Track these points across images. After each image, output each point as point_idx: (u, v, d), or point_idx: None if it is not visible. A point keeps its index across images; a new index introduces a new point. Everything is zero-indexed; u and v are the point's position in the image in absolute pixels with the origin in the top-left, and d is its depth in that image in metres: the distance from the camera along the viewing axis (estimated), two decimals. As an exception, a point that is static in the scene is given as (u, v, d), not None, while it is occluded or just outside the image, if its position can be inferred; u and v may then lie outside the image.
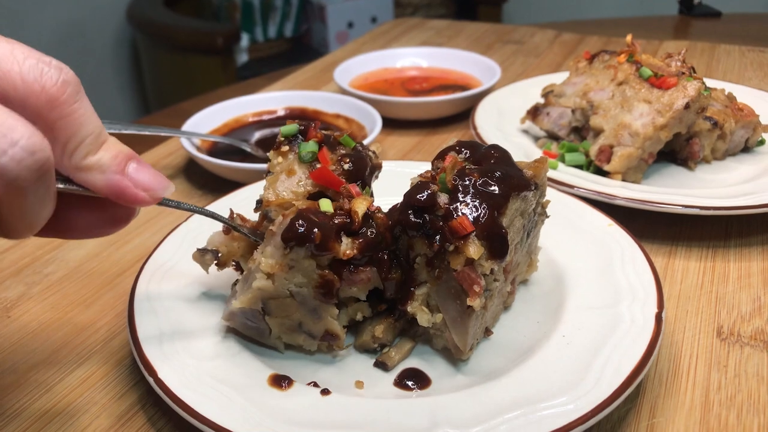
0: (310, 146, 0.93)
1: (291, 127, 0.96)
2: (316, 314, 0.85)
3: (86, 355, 0.95)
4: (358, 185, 0.90)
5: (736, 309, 1.02)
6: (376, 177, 0.99)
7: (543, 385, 0.79)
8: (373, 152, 0.98)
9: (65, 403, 0.87)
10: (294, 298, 0.83)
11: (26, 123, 0.52)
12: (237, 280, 0.91)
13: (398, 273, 0.87)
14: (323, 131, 0.96)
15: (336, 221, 0.82)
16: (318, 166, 0.91)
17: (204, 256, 0.91)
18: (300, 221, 0.78)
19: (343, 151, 0.94)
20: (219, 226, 0.91)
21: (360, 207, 0.83)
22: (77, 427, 0.83)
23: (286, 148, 0.94)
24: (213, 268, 0.93)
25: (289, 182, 0.91)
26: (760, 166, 1.37)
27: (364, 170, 0.93)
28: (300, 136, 0.95)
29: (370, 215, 0.84)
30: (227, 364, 0.85)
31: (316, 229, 0.78)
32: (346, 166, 0.92)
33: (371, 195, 0.94)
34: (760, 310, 1.01)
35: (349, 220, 0.82)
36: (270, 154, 0.95)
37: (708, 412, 0.83)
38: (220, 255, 0.91)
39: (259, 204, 0.92)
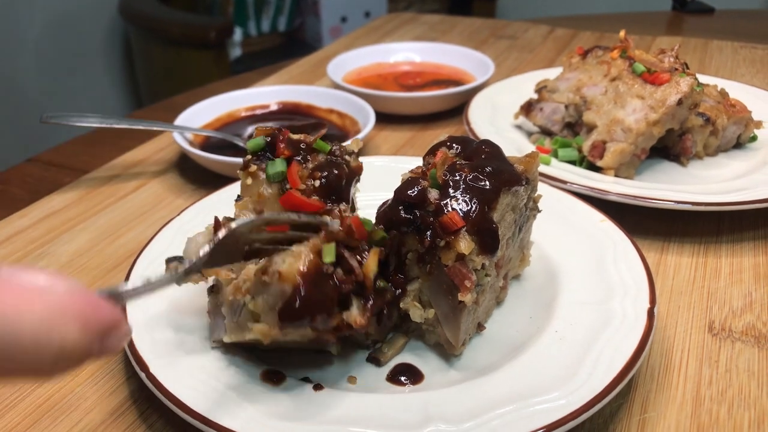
0: (278, 165, 0.85)
1: (257, 141, 0.88)
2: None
3: (78, 351, 0.94)
4: (335, 200, 0.84)
5: (727, 304, 1.02)
6: (357, 181, 0.92)
7: (535, 380, 0.79)
8: (352, 153, 0.92)
9: (57, 399, 0.86)
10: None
11: None
12: (213, 285, 0.87)
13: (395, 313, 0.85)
14: (293, 137, 0.89)
15: (343, 286, 0.74)
16: (287, 187, 0.85)
17: (188, 275, 0.77)
18: (298, 301, 0.71)
19: (314, 164, 0.87)
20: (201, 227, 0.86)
21: (372, 269, 0.77)
22: (69, 423, 0.83)
23: (254, 167, 0.87)
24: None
25: (259, 206, 0.86)
26: (752, 162, 1.37)
27: (338, 183, 0.86)
28: (268, 153, 0.88)
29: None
30: (219, 359, 0.84)
31: (312, 309, 0.72)
32: (317, 183, 0.85)
33: (353, 206, 0.89)
34: (751, 305, 1.02)
35: (356, 285, 0.75)
36: (239, 173, 0.88)
37: (699, 407, 0.84)
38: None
39: (240, 198, 0.89)
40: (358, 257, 0.77)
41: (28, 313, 0.46)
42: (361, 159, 0.95)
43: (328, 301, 0.73)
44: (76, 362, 0.50)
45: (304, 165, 0.87)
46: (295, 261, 0.73)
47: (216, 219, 0.83)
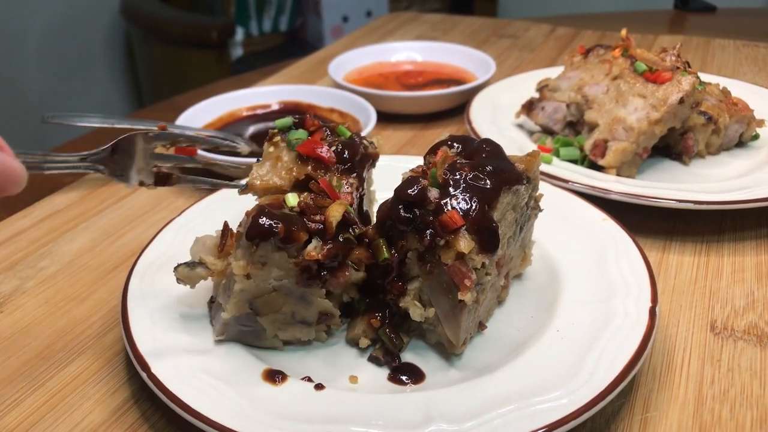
0: (299, 133, 0.93)
1: (285, 120, 0.96)
2: (305, 300, 0.85)
3: (80, 350, 0.94)
4: (346, 169, 0.90)
5: (729, 303, 1.02)
6: (372, 166, 0.98)
7: (537, 379, 0.79)
8: (371, 143, 0.98)
9: (59, 398, 0.86)
10: (279, 291, 0.83)
11: None
12: (212, 297, 0.92)
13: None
14: (320, 121, 0.97)
15: (306, 221, 0.81)
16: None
17: (194, 269, 0.87)
18: (262, 218, 0.77)
19: (334, 141, 0.94)
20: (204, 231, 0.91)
21: (335, 215, 0.82)
22: (71, 422, 0.83)
23: (278, 138, 0.94)
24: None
25: (276, 168, 0.91)
26: (754, 161, 1.37)
27: (354, 155, 0.92)
28: (293, 128, 0.95)
29: (347, 220, 0.83)
30: (221, 359, 0.84)
31: (279, 223, 0.77)
32: (334, 148, 0.91)
33: (362, 182, 0.93)
34: (753, 304, 1.02)
35: (321, 227, 0.81)
36: (264, 145, 0.95)
37: (701, 406, 0.84)
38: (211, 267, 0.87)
39: (244, 188, 0.91)
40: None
41: None
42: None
43: (288, 220, 0.79)
44: None
45: (325, 139, 0.94)
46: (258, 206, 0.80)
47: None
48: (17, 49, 3.74)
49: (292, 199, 0.82)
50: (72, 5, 3.99)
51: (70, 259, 1.16)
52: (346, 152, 0.92)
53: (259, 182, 0.90)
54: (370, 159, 0.97)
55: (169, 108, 1.82)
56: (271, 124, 1.57)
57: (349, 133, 0.96)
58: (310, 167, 0.90)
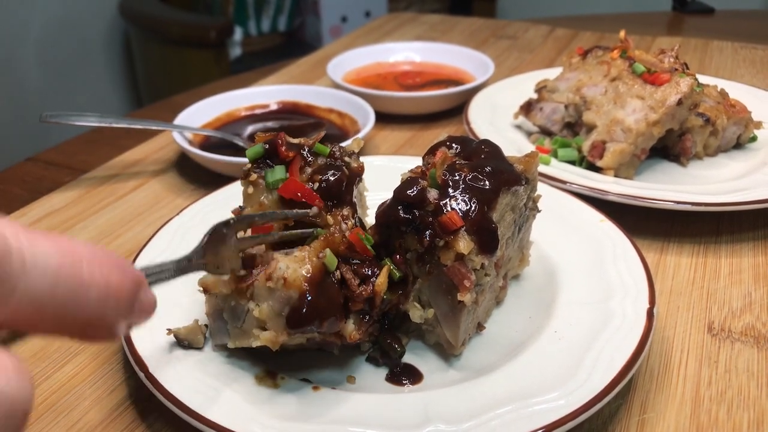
0: (277, 173, 0.85)
1: (256, 149, 0.87)
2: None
3: (77, 350, 0.94)
4: (335, 204, 0.85)
5: (727, 305, 1.02)
6: (359, 181, 0.93)
7: (535, 380, 0.79)
8: (352, 154, 0.91)
9: (56, 398, 0.86)
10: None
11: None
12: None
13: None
14: (292, 141, 0.88)
15: (352, 301, 0.78)
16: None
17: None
18: (303, 309, 0.73)
19: (313, 168, 0.87)
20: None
21: (383, 288, 0.79)
22: (68, 422, 0.83)
23: (254, 176, 0.87)
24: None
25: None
26: (752, 163, 1.37)
27: (339, 185, 0.85)
28: (268, 160, 0.87)
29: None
30: (218, 359, 0.84)
31: (320, 316, 0.74)
32: (316, 186, 0.85)
33: (355, 210, 0.88)
34: (750, 306, 1.02)
35: (366, 304, 0.78)
36: (241, 182, 0.88)
37: (698, 408, 0.84)
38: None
39: (243, 209, 0.89)
40: (366, 270, 0.79)
41: (77, 255, 0.45)
42: (360, 159, 0.94)
43: (335, 305, 0.76)
44: (119, 308, 0.47)
45: (306, 165, 0.87)
46: (298, 267, 0.75)
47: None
48: (16, 48, 3.74)
49: (332, 263, 0.77)
50: (70, 5, 3.98)
51: (68, 258, 1.15)
52: (332, 188, 0.85)
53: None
54: (356, 177, 0.91)
55: (167, 107, 1.82)
56: (269, 123, 1.58)
57: (327, 150, 0.88)
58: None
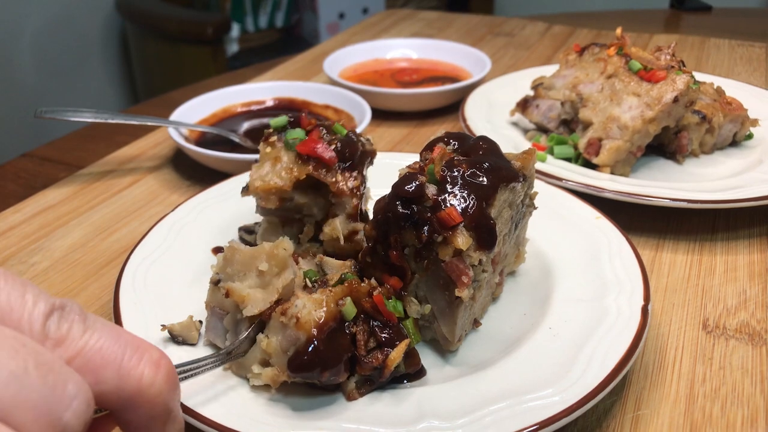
0: (297, 133, 0.92)
1: (281, 119, 0.96)
2: None
3: (71, 346, 0.94)
4: (347, 167, 0.90)
5: (722, 302, 1.02)
6: (371, 163, 0.99)
7: (529, 376, 0.79)
8: (367, 139, 0.98)
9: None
10: None
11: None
12: (218, 279, 0.85)
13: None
14: (316, 119, 0.96)
15: (357, 367, 0.77)
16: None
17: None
18: (308, 353, 0.72)
19: (331, 138, 0.94)
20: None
21: (396, 361, 0.78)
22: (62, 418, 0.82)
23: (274, 138, 0.93)
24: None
25: (276, 169, 0.91)
26: (748, 161, 1.37)
27: (354, 152, 0.92)
28: (289, 127, 0.95)
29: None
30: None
31: (323, 366, 0.73)
32: (333, 146, 0.91)
33: (364, 181, 0.93)
34: (745, 303, 1.02)
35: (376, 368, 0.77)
36: (260, 145, 0.95)
37: (692, 404, 0.84)
38: None
39: (245, 189, 0.92)
40: (385, 335, 0.78)
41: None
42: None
43: (339, 359, 0.74)
44: (151, 408, 0.48)
45: (322, 134, 0.93)
46: (314, 309, 0.74)
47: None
48: (13, 44, 3.73)
49: (350, 313, 0.77)
50: (68, 1, 3.97)
51: (63, 254, 1.15)
52: (347, 150, 0.91)
53: (259, 183, 0.90)
54: (369, 156, 0.97)
55: (163, 104, 1.82)
56: (265, 120, 1.57)
57: (345, 131, 0.96)
58: (311, 167, 0.90)
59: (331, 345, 0.74)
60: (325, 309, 0.74)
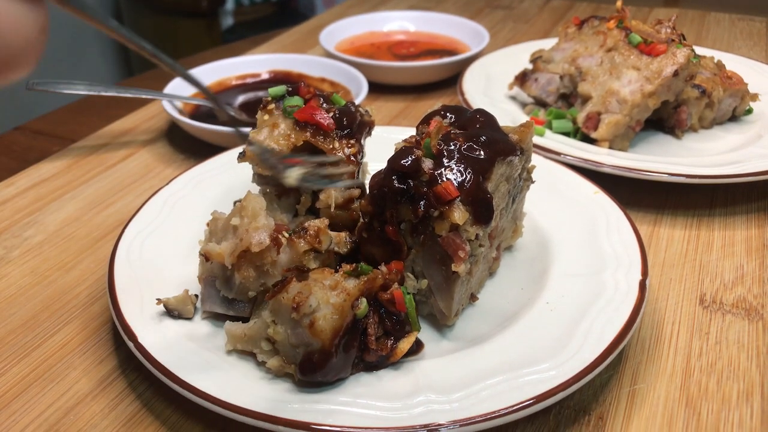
0: (295, 100, 0.93)
1: (279, 88, 0.96)
2: None
3: (66, 320, 0.94)
4: (345, 135, 0.90)
5: (719, 277, 1.02)
6: (369, 134, 0.99)
7: (526, 351, 0.79)
8: (366, 110, 0.98)
9: (45, 368, 0.86)
10: None
11: None
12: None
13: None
14: (314, 89, 0.96)
15: (363, 353, 0.78)
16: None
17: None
18: (320, 362, 0.73)
19: (329, 107, 0.94)
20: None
21: (402, 353, 0.79)
22: (57, 392, 0.82)
23: (272, 106, 0.93)
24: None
25: (274, 136, 0.90)
26: (747, 135, 1.37)
27: (352, 121, 0.92)
28: (287, 96, 0.95)
29: None
30: (208, 328, 0.84)
31: (335, 376, 0.75)
32: (332, 114, 0.91)
33: (361, 149, 0.93)
34: (742, 278, 1.02)
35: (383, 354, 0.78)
36: (258, 113, 0.95)
37: (689, 378, 0.84)
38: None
39: (242, 155, 0.91)
40: (394, 327, 0.79)
41: None
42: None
43: (350, 362, 0.76)
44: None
45: (320, 104, 0.94)
46: (329, 314, 0.73)
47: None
48: (3, 15, 3.67)
49: (364, 313, 0.77)
50: (59, -29, 3.91)
51: (57, 228, 1.14)
52: (345, 118, 0.92)
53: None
54: (367, 126, 0.97)
55: (158, 77, 1.79)
56: (261, 93, 1.55)
57: (343, 102, 0.95)
58: (308, 133, 0.90)
59: (345, 353, 0.75)
60: (339, 314, 0.74)
